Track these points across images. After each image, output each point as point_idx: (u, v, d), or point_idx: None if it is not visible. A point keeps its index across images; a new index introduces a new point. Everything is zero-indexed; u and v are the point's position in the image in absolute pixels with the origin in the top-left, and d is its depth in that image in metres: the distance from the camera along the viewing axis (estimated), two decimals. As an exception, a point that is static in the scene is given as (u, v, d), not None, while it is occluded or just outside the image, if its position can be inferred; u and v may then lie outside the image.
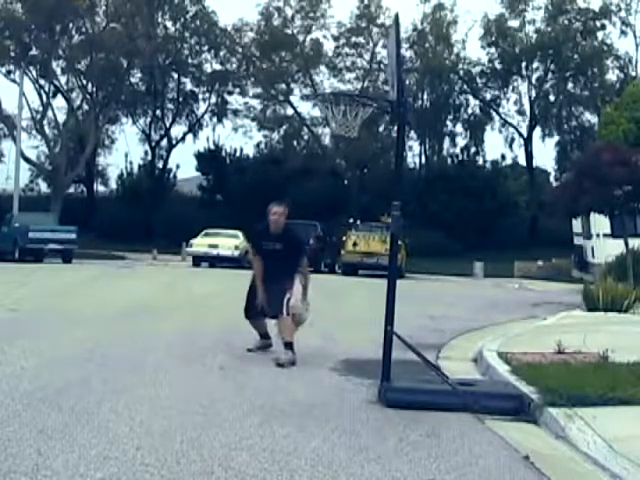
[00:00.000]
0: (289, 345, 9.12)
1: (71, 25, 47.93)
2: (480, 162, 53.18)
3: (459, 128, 55.37)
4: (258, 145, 54.80)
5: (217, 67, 54.03)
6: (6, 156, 52.03)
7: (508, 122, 54.09)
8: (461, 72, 53.68)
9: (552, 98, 53.71)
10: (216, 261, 34.40)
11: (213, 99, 55.13)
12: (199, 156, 52.75)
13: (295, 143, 55.24)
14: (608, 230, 30.84)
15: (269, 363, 9.07)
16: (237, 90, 54.03)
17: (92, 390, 7.11)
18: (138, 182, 52.62)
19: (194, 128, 55.16)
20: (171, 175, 55.03)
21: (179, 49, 53.20)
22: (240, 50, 53.18)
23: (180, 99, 54.67)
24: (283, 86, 53.10)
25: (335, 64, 53.42)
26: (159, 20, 52.15)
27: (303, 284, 9.64)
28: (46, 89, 49.44)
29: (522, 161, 55.35)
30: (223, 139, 54.43)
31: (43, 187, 54.14)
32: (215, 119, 54.96)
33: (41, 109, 49.50)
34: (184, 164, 56.41)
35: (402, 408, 6.89)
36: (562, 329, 12.12)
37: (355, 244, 32.97)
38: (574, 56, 51.46)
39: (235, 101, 54.54)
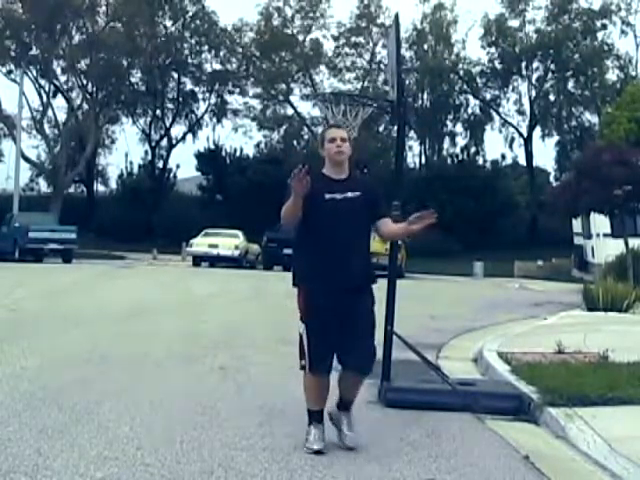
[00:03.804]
0: (351, 405, 5.81)
1: (71, 25, 47.98)
2: (480, 162, 53.21)
3: (459, 128, 55.50)
4: (258, 145, 54.90)
5: (217, 67, 54.12)
6: (6, 156, 52.15)
7: (508, 122, 54.17)
8: (461, 72, 53.68)
9: (552, 98, 53.72)
10: (216, 261, 34.41)
11: (213, 99, 55.26)
12: (199, 156, 52.77)
13: (295, 143, 55.25)
14: (608, 230, 30.84)
15: (269, 363, 9.07)
16: (237, 90, 54.09)
17: (92, 390, 7.11)
18: (138, 182, 52.62)
19: (194, 128, 55.21)
20: (171, 175, 55.08)
21: (179, 49, 53.22)
22: (240, 50, 53.21)
23: (180, 99, 54.68)
24: (283, 86, 53.12)
25: (335, 64, 53.46)
26: (159, 20, 52.18)
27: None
28: (46, 89, 49.57)
29: (522, 161, 55.48)
30: (223, 139, 54.65)
31: (43, 187, 54.25)
32: (215, 119, 55.09)
33: (41, 109, 49.58)
34: (184, 164, 56.65)
35: (402, 408, 6.88)
36: (562, 329, 12.12)
37: (355, 244, 32.92)
38: (574, 56, 51.48)
39: (235, 101, 54.70)
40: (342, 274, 5.43)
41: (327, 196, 5.53)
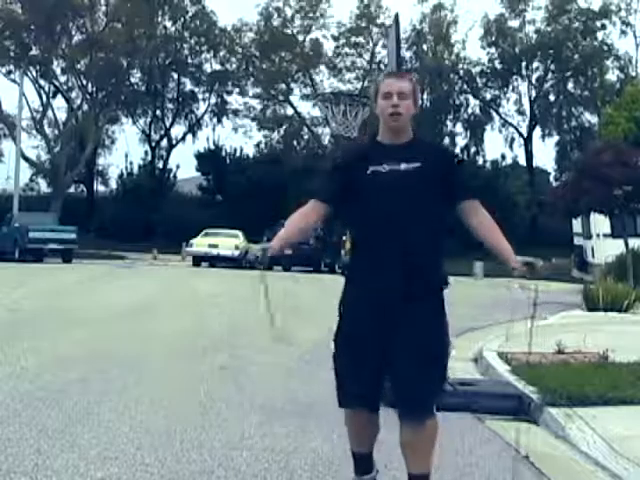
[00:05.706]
0: None
1: (71, 25, 48.00)
2: (480, 162, 53.23)
3: (459, 128, 55.49)
4: (258, 145, 54.93)
5: (217, 67, 54.13)
6: (6, 156, 52.17)
7: (508, 122, 54.19)
8: (461, 72, 53.71)
9: (552, 98, 53.75)
10: (216, 261, 34.42)
11: (213, 99, 55.27)
12: (199, 156, 52.79)
13: (295, 143, 55.24)
14: (608, 230, 30.85)
15: (269, 363, 9.06)
16: (237, 90, 54.13)
17: (92, 390, 7.11)
18: (138, 182, 52.64)
19: (194, 128, 55.23)
20: (171, 175, 55.10)
21: (179, 49, 53.25)
22: (240, 50, 53.20)
23: (180, 99, 54.69)
24: (283, 86, 53.11)
25: (335, 64, 53.45)
26: (159, 20, 52.19)
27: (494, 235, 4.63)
28: (46, 89, 49.61)
29: (522, 161, 55.44)
30: (223, 139, 54.66)
31: (43, 187, 54.26)
32: (215, 119, 55.11)
33: (41, 109, 49.59)
34: (184, 164, 56.70)
35: (402, 408, 6.86)
36: (562, 329, 12.12)
37: (355, 244, 32.89)
38: (574, 56, 51.51)
39: (235, 101, 54.73)
40: (392, 276, 3.95)
41: (370, 169, 4.01)
